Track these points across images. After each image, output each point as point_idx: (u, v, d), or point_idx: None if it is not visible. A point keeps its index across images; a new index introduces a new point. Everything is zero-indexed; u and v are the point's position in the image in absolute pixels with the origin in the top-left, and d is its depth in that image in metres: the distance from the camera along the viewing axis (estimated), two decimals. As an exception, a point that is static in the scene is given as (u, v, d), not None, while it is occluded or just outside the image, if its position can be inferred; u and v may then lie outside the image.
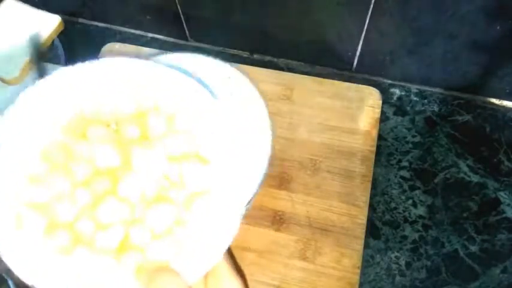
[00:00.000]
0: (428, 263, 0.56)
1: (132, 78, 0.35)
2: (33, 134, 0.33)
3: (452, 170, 0.61)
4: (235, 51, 0.71)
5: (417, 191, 0.60)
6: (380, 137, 0.62)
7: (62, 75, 0.35)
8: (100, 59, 0.36)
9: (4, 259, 0.31)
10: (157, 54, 0.67)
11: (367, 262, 0.56)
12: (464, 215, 0.58)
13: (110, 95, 0.35)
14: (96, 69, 0.36)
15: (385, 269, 0.56)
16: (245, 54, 0.71)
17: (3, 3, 0.70)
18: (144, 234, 0.31)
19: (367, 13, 0.56)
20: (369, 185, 0.57)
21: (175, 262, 0.31)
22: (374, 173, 0.59)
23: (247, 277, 0.54)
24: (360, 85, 0.63)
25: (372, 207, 0.58)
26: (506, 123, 0.63)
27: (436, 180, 0.60)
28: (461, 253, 0.56)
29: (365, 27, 0.58)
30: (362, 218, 0.56)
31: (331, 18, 0.59)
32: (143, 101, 0.34)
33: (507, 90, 0.62)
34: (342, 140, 0.60)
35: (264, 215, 0.56)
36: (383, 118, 0.63)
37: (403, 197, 0.59)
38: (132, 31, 0.73)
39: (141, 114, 0.34)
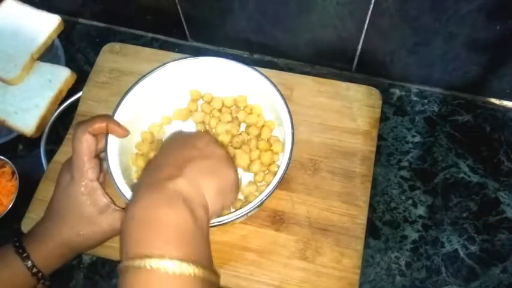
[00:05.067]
0: (428, 263, 0.56)
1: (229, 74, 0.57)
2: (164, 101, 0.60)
3: (452, 170, 0.61)
4: (235, 51, 0.71)
5: (417, 191, 0.60)
6: (380, 137, 0.62)
7: (177, 66, 0.57)
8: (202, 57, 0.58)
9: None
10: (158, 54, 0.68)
11: (367, 262, 0.56)
12: (464, 215, 0.58)
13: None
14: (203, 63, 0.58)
15: (385, 269, 0.56)
16: (245, 54, 0.71)
17: (3, 3, 0.70)
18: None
19: (367, 13, 0.56)
20: (369, 185, 0.57)
21: None
22: (374, 173, 0.59)
23: (247, 277, 0.55)
24: (360, 85, 0.63)
25: (372, 207, 0.58)
26: (506, 123, 0.63)
27: (436, 180, 0.60)
28: (461, 253, 0.56)
29: (365, 27, 0.58)
30: (362, 218, 0.56)
31: (331, 18, 0.59)
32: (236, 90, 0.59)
33: (507, 90, 0.62)
34: (342, 140, 0.60)
35: (264, 215, 0.56)
36: (383, 118, 0.63)
37: (403, 197, 0.59)
38: (132, 31, 0.73)
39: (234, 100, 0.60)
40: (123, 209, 0.50)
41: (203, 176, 0.42)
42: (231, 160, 0.46)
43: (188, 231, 0.38)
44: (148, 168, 0.44)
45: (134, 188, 0.43)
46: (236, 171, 0.46)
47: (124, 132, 0.51)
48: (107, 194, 0.49)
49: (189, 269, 0.35)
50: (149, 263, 0.34)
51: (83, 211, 0.48)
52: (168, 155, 0.44)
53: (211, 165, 0.43)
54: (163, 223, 0.37)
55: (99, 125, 0.49)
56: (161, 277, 0.34)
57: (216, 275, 0.38)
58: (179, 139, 0.47)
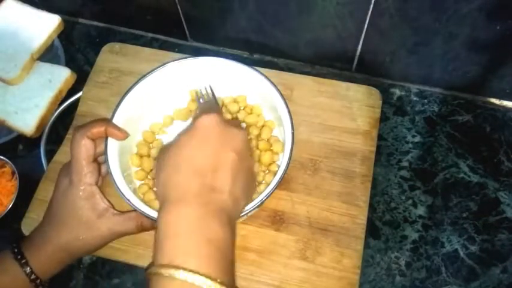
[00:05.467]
0: (428, 263, 0.56)
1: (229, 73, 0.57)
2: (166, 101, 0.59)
3: (452, 170, 0.61)
4: (235, 51, 0.71)
5: (417, 191, 0.60)
6: (380, 137, 0.62)
7: (180, 65, 0.57)
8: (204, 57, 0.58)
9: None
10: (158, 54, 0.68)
11: (367, 262, 0.56)
12: (464, 215, 0.58)
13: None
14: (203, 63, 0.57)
15: (385, 269, 0.56)
16: (245, 54, 0.71)
17: (3, 3, 0.70)
18: None
19: (367, 13, 0.56)
20: (369, 185, 0.57)
21: None
22: (374, 173, 0.59)
23: (247, 277, 0.55)
24: (360, 85, 0.63)
25: (372, 207, 0.58)
26: (506, 123, 0.63)
27: (436, 180, 0.60)
28: (461, 253, 0.56)
29: (365, 27, 0.58)
30: (362, 218, 0.56)
31: (331, 18, 0.59)
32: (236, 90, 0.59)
33: (507, 90, 0.62)
34: (342, 140, 0.60)
35: (264, 215, 0.56)
36: (383, 118, 0.63)
37: (403, 197, 0.59)
38: (132, 31, 0.73)
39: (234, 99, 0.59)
40: (123, 212, 0.50)
41: (242, 192, 0.42)
42: (254, 169, 0.47)
43: (227, 248, 0.38)
44: (185, 162, 0.41)
45: (170, 182, 0.41)
46: (256, 180, 0.48)
47: (123, 135, 0.51)
48: (105, 198, 0.49)
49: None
50: (184, 275, 0.34)
51: (82, 215, 0.48)
52: (209, 154, 0.42)
53: (247, 178, 0.44)
54: (209, 236, 0.37)
55: (98, 130, 0.49)
56: None
57: None
58: (219, 134, 0.43)
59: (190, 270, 0.35)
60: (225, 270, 0.37)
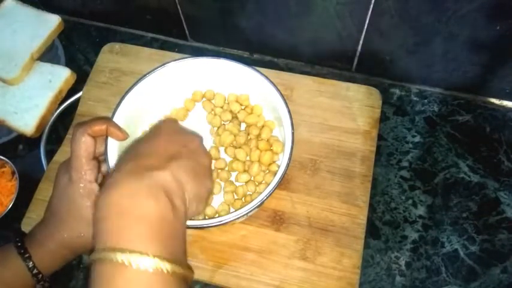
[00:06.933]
0: (428, 263, 0.56)
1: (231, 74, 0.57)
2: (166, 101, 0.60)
3: (452, 170, 0.61)
4: (235, 51, 0.71)
5: (417, 191, 0.60)
6: (380, 137, 0.62)
7: (184, 64, 0.57)
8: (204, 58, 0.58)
9: None
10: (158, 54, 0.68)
11: (367, 262, 0.56)
12: (464, 215, 0.58)
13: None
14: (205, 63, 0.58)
15: (385, 269, 0.56)
16: (245, 54, 0.71)
17: (3, 3, 0.70)
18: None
19: (367, 13, 0.56)
20: (369, 185, 0.57)
21: None
22: (374, 173, 0.59)
23: (247, 277, 0.55)
24: (360, 85, 0.63)
25: (372, 207, 0.58)
26: (506, 123, 0.63)
27: (436, 180, 0.60)
28: (461, 253, 0.56)
29: (365, 27, 0.58)
30: (362, 218, 0.56)
31: (331, 18, 0.59)
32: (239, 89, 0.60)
33: (507, 90, 0.62)
34: (342, 140, 0.60)
35: (264, 215, 0.56)
36: (383, 118, 0.63)
37: (403, 197, 0.59)
38: (132, 31, 0.73)
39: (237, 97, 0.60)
40: None
41: (187, 175, 0.41)
42: (211, 172, 0.47)
43: (166, 224, 0.36)
44: (131, 153, 0.42)
45: (111, 173, 0.42)
46: (212, 184, 0.49)
47: (124, 136, 0.51)
48: None
49: (163, 266, 0.34)
50: (122, 257, 0.33)
51: (82, 213, 0.48)
52: (155, 145, 0.43)
53: (195, 168, 0.42)
54: (141, 213, 0.36)
55: (99, 127, 0.49)
56: (132, 273, 0.33)
57: (190, 270, 0.37)
58: (171, 132, 0.45)
59: (132, 251, 0.33)
60: (160, 244, 0.35)
